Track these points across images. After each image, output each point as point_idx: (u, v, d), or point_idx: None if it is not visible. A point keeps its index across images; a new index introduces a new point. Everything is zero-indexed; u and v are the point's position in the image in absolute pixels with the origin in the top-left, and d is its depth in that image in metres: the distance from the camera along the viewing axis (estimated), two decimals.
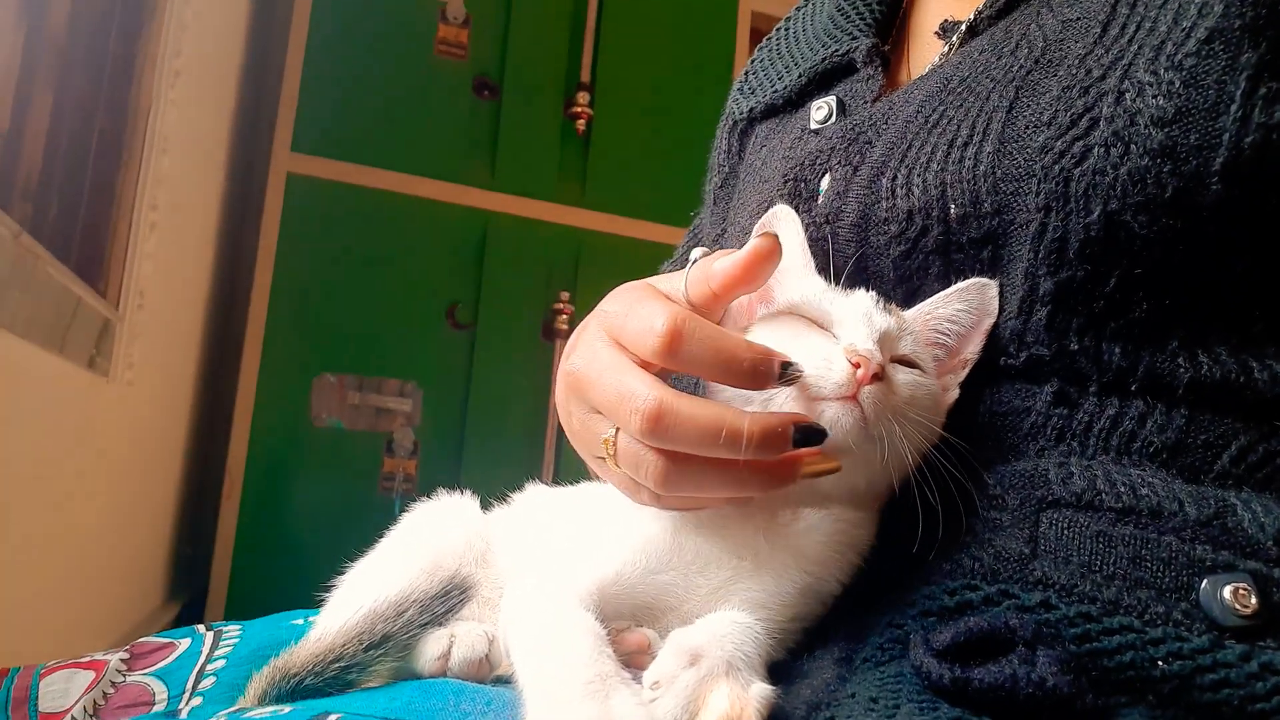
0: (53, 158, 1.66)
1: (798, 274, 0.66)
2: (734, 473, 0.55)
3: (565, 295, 2.91)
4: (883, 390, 0.56)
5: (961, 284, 0.63)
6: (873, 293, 0.63)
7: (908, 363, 0.60)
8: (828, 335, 0.59)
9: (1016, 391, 0.62)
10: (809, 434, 0.54)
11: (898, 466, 0.58)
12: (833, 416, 0.55)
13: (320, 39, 2.73)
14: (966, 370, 0.64)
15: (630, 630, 0.57)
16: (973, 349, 0.63)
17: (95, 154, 1.83)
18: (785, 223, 0.67)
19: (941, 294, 0.64)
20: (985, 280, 0.63)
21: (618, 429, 0.57)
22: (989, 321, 0.63)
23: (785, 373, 0.55)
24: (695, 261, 0.61)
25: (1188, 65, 0.57)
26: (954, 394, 0.63)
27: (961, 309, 0.63)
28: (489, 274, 2.87)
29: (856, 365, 0.56)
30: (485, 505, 0.79)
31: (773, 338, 0.60)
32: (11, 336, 1.29)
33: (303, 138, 2.70)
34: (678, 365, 0.55)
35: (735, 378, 0.55)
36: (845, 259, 0.69)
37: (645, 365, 0.57)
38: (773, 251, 0.58)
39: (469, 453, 2.79)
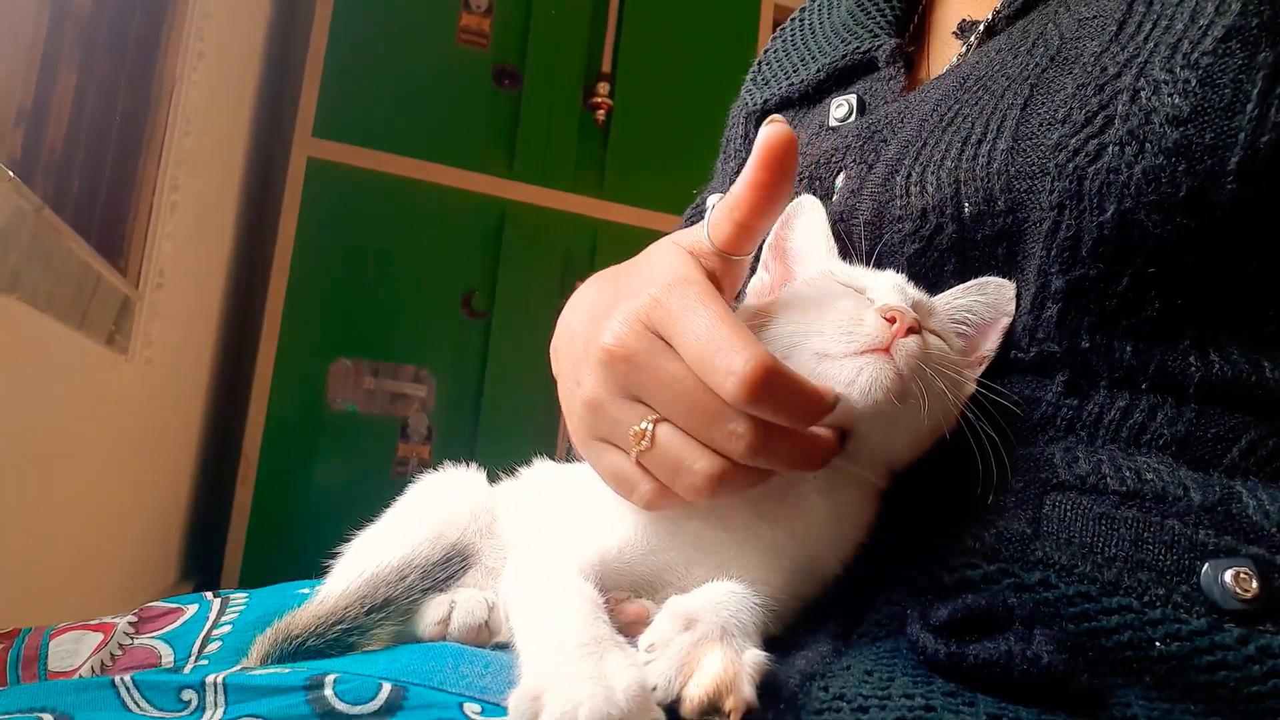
0: (75, 135, 1.68)
1: (822, 259, 0.67)
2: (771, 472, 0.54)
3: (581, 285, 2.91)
4: (918, 343, 0.56)
5: (979, 280, 0.64)
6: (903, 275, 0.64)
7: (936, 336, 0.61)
8: (861, 298, 0.60)
9: (1027, 382, 0.62)
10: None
11: (931, 429, 0.59)
12: (871, 372, 0.55)
13: (343, 25, 2.74)
14: (983, 366, 0.64)
15: (629, 600, 0.58)
16: (989, 346, 0.64)
17: (118, 133, 1.85)
18: (809, 211, 0.68)
19: (960, 287, 0.64)
20: (1002, 280, 0.63)
21: (656, 421, 0.54)
22: (1005, 320, 0.63)
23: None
24: (713, 208, 0.59)
25: (1204, 64, 0.57)
26: (970, 386, 0.63)
27: (979, 303, 0.63)
28: (505, 262, 2.88)
29: (891, 320, 0.56)
30: (494, 481, 0.79)
31: (804, 300, 0.61)
32: (32, 311, 1.30)
33: (324, 123, 2.72)
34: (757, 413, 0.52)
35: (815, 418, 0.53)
36: (860, 257, 0.69)
37: None
38: (786, 138, 0.55)
39: (483, 439, 2.80)
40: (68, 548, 1.65)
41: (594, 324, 0.59)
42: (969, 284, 0.64)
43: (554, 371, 0.69)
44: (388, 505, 0.77)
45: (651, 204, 2.99)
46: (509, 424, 2.82)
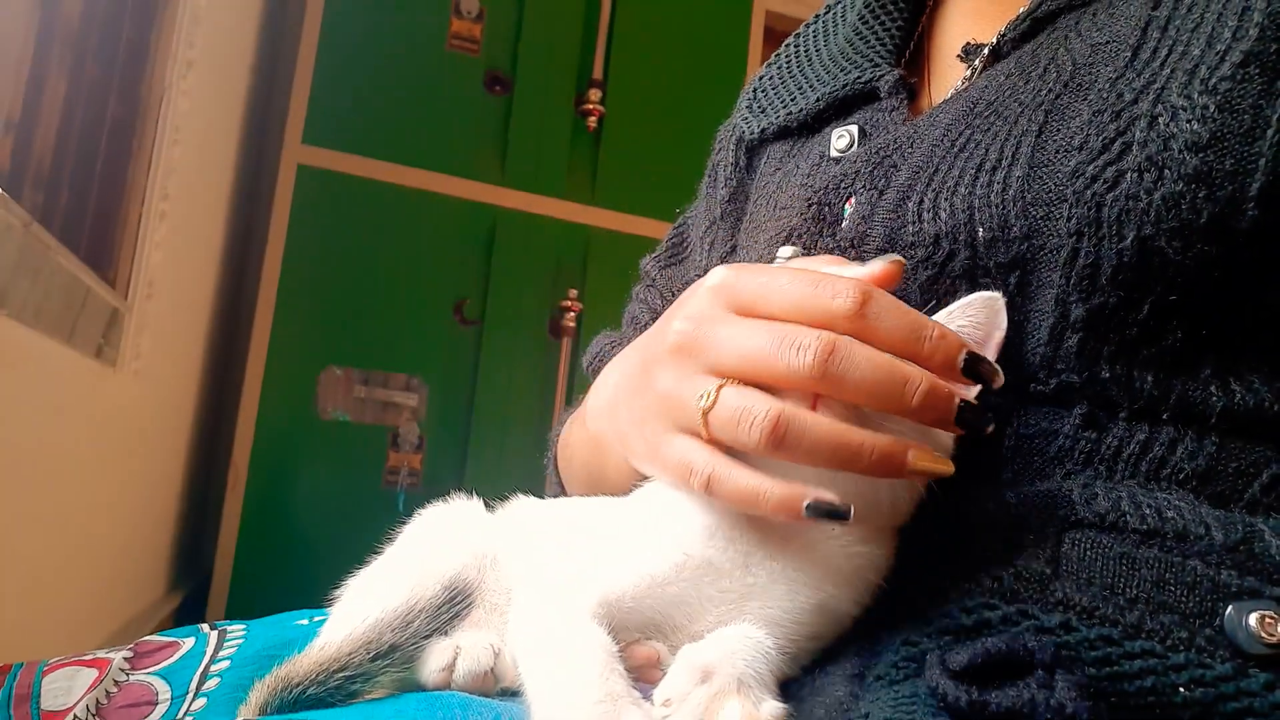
0: (64, 147, 1.66)
1: None
2: (846, 445, 0.51)
3: (573, 293, 2.91)
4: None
5: (967, 298, 0.62)
6: None
7: None
8: None
9: (1044, 414, 0.61)
10: (972, 414, 0.52)
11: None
12: None
13: (333, 31, 2.72)
14: (979, 388, 0.62)
15: (640, 643, 0.56)
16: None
17: (107, 143, 1.83)
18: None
19: (947, 309, 0.62)
20: (991, 294, 0.61)
21: (721, 386, 0.53)
22: (999, 334, 0.61)
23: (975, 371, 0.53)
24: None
25: (1222, 89, 0.56)
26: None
27: (968, 322, 0.62)
28: (497, 270, 2.87)
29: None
30: (491, 503, 0.78)
31: None
32: (20, 326, 1.28)
33: (314, 130, 2.70)
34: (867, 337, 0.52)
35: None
36: None
37: None
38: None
39: (474, 448, 2.79)
40: (58, 559, 1.63)
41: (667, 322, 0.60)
42: (955, 305, 0.62)
43: (599, 429, 0.70)
44: (377, 515, 0.76)
45: (643, 211, 2.98)
46: (500, 433, 2.81)
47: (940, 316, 0.62)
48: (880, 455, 0.51)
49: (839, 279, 0.52)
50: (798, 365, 0.51)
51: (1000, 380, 0.54)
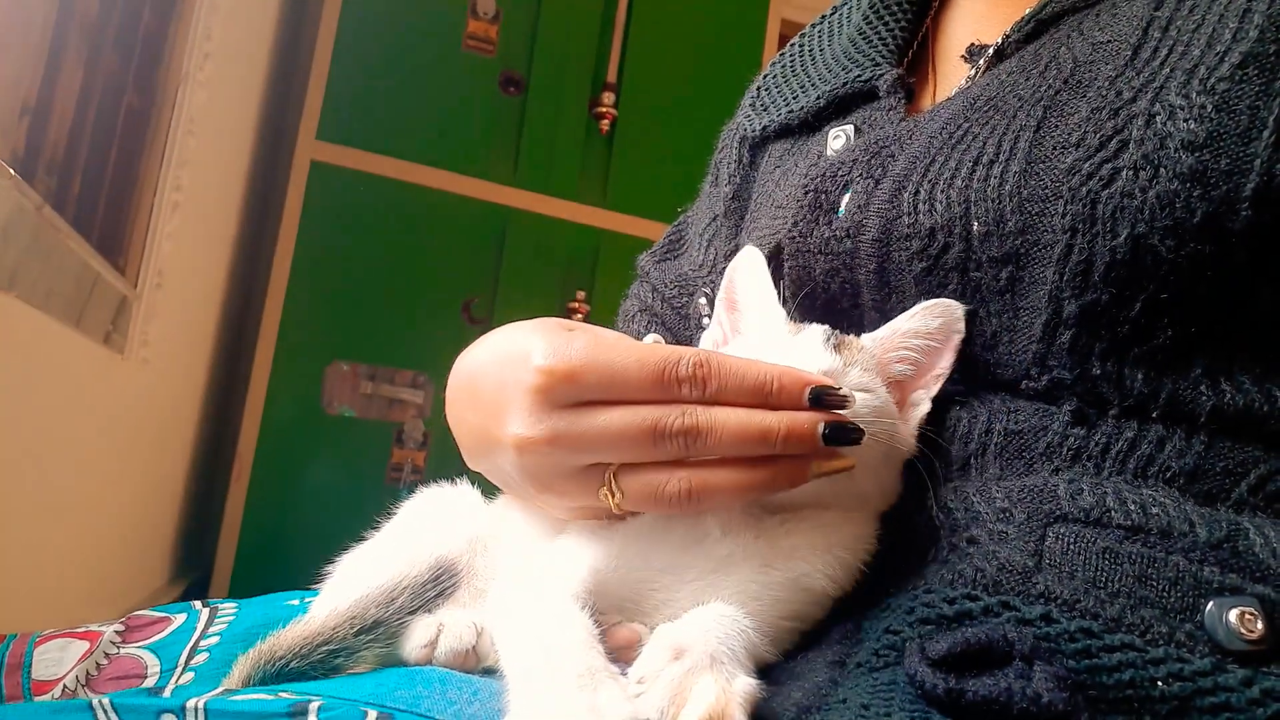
0: (79, 133, 1.67)
1: (758, 313, 0.68)
2: (750, 475, 0.55)
3: (582, 294, 2.91)
4: None
5: (928, 302, 0.64)
6: (823, 327, 0.65)
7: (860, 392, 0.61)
8: None
9: (1034, 411, 0.62)
10: (840, 432, 0.55)
11: (877, 467, 0.60)
12: None
13: (350, 28, 2.73)
14: (939, 384, 0.65)
15: (621, 625, 0.57)
16: (944, 364, 0.64)
17: (121, 131, 1.84)
18: (747, 267, 0.69)
19: (908, 312, 0.64)
20: (951, 301, 0.64)
21: (613, 474, 0.57)
22: (958, 338, 0.63)
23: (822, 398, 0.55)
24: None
25: (1220, 89, 0.57)
26: (925, 407, 0.64)
27: (927, 326, 0.64)
28: (507, 270, 2.87)
29: None
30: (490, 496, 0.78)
31: None
32: (29, 308, 1.29)
33: (328, 126, 2.71)
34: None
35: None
36: (868, 274, 0.68)
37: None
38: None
39: None
40: (61, 545, 1.64)
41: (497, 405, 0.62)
42: (917, 309, 0.64)
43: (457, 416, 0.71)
44: (380, 510, 0.76)
45: (654, 214, 2.98)
46: None
47: (902, 318, 0.64)
48: (785, 470, 0.55)
49: (680, 358, 0.55)
50: (670, 449, 0.55)
51: (852, 403, 0.56)
